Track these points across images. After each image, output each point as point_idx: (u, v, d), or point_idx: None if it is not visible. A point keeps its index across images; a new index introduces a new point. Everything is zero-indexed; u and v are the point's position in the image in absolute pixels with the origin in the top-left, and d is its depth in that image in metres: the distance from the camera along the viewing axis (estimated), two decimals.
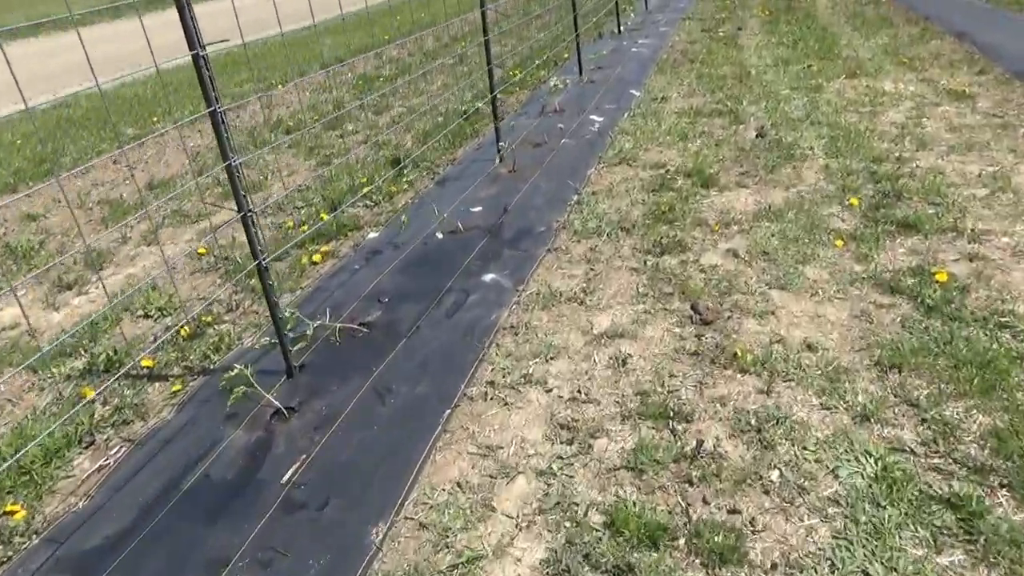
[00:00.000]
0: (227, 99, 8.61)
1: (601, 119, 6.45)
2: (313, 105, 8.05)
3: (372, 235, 4.46)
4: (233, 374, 2.69)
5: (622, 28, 10.67)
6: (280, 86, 9.07)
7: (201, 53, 2.45)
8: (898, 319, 3.09)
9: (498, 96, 5.75)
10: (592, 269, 3.76)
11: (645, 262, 3.75)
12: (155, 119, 7.80)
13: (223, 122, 2.58)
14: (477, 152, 5.91)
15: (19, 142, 7.31)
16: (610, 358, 3.02)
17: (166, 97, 8.80)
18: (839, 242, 3.79)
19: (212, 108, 2.55)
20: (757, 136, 5.61)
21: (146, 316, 3.79)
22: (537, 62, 9.18)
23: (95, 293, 4.18)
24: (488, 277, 3.75)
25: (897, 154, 4.93)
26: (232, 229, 4.75)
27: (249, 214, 2.74)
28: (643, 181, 4.94)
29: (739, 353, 2.94)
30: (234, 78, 9.67)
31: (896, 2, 11.37)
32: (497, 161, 5.55)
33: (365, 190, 5.11)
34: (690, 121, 6.15)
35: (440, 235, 4.16)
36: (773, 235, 3.94)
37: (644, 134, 5.93)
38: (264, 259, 2.82)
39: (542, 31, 11.79)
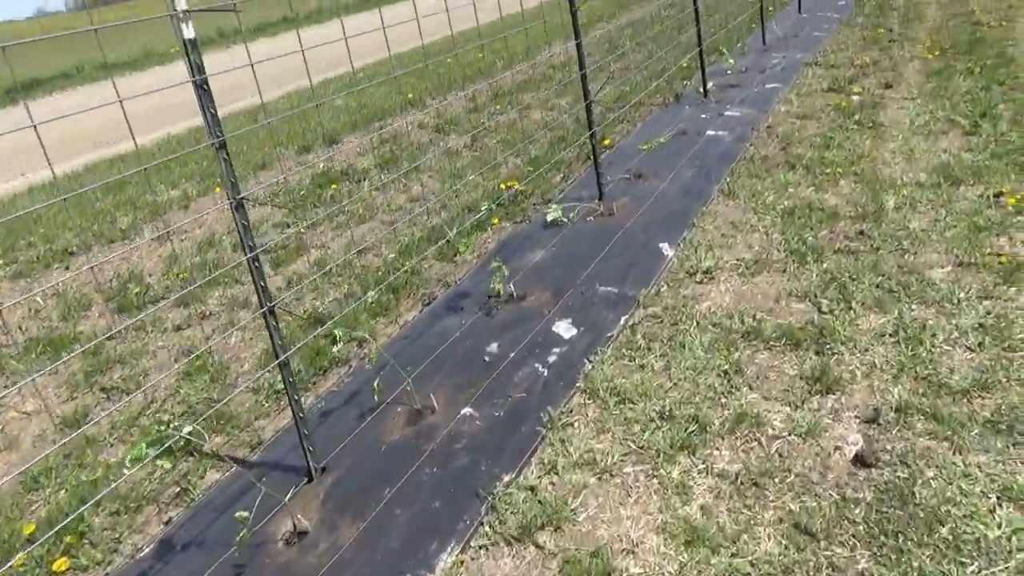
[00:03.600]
0: (139, 211, 6.38)
1: (571, 334, 3.50)
2: (230, 230, 5.62)
3: None
4: None
5: (709, 86, 7.48)
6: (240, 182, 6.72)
7: None
8: None
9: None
10: None
11: None
12: (87, 230, 5.64)
13: None
14: (289, 453, 3.15)
15: None
16: None
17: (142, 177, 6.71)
18: None
19: None
20: (856, 460, 2.49)
21: None
22: (569, 150, 6.27)
23: None
24: None
25: None
26: None
27: None
28: None
29: None
30: (189, 166, 7.45)
31: None
32: (304, 480, 2.79)
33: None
34: (729, 365, 3.09)
35: None
36: None
37: (623, 406, 2.95)
38: None
39: (622, 76, 8.78)
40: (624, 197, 5.07)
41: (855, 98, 6.63)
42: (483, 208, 3.96)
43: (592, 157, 5.02)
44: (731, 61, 8.30)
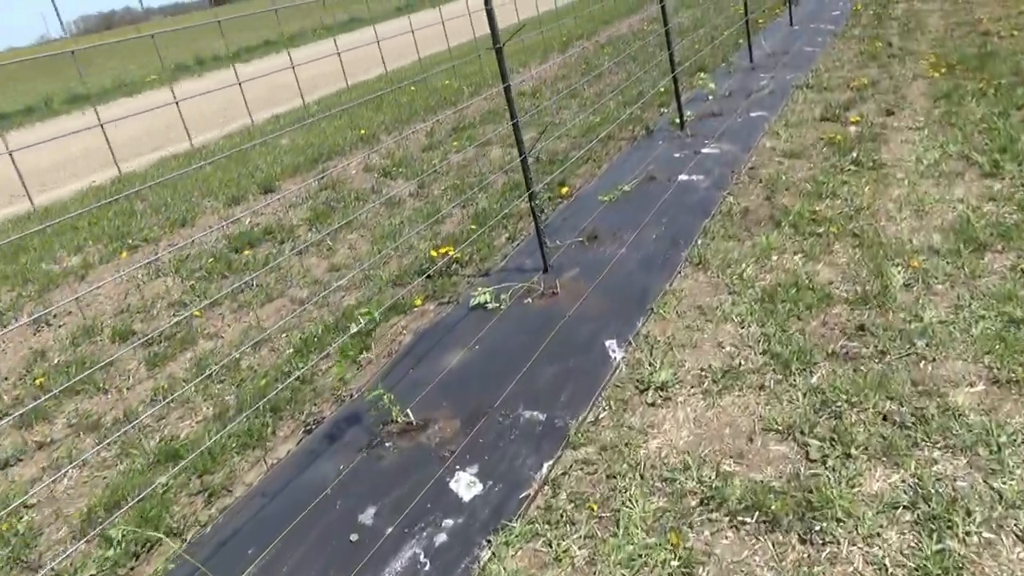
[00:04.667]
0: (30, 285, 5.51)
1: (474, 494, 2.61)
2: (119, 311, 4.76)
3: None
4: None
5: (687, 115, 6.60)
6: (107, 261, 5.87)
7: None
8: None
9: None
10: None
11: None
12: None
13: None
14: None
15: None
16: None
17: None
18: None
19: None
20: None
21: None
22: (521, 200, 5.39)
23: None
24: None
25: None
26: None
27: None
28: None
29: None
30: (100, 225, 6.60)
31: None
32: None
33: None
34: (678, 560, 2.20)
35: None
36: None
37: None
38: None
39: (594, 103, 7.91)
40: (573, 269, 4.17)
41: (852, 129, 5.73)
42: (360, 318, 3.06)
43: (534, 221, 4.12)
44: (712, 85, 7.42)
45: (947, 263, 3.54)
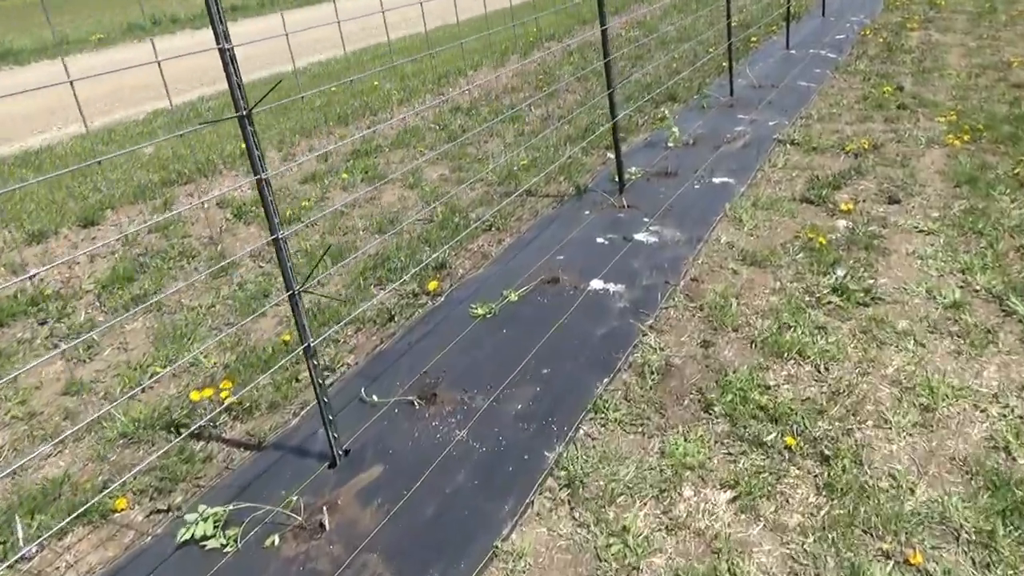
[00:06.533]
0: None
1: None
2: None
3: None
4: None
5: (632, 174, 5.04)
6: None
7: None
8: None
9: None
10: None
11: None
12: None
13: None
14: None
15: None
16: None
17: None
18: None
19: None
20: None
21: None
22: (371, 302, 3.84)
23: None
24: None
25: None
26: None
27: None
28: None
29: None
30: None
31: None
32: None
33: None
34: None
35: None
36: None
37: None
38: None
39: (533, 134, 6.33)
40: (375, 466, 2.62)
41: (841, 224, 4.19)
42: None
43: (316, 397, 2.55)
44: (675, 129, 5.83)
45: (971, 564, 2.00)
